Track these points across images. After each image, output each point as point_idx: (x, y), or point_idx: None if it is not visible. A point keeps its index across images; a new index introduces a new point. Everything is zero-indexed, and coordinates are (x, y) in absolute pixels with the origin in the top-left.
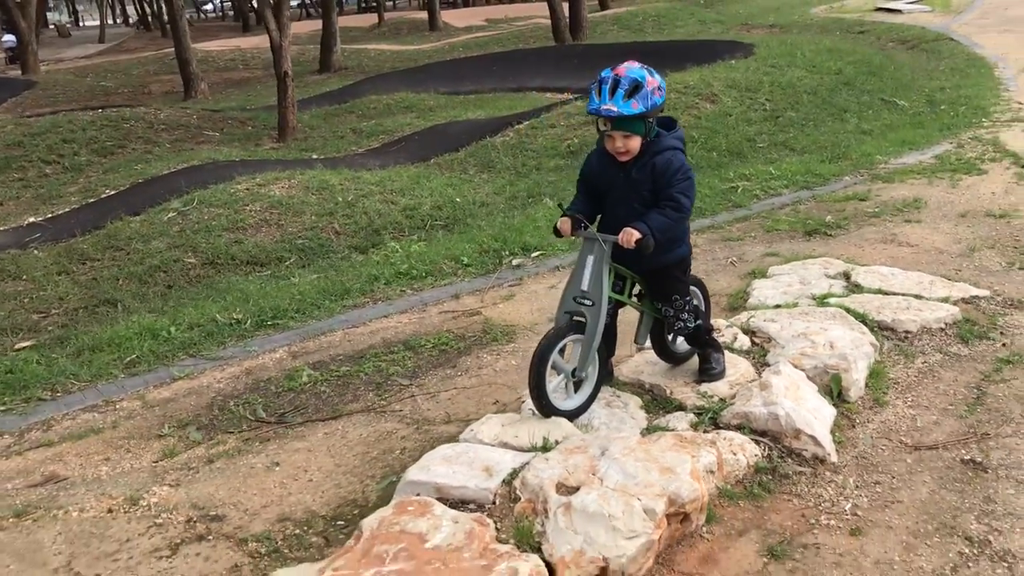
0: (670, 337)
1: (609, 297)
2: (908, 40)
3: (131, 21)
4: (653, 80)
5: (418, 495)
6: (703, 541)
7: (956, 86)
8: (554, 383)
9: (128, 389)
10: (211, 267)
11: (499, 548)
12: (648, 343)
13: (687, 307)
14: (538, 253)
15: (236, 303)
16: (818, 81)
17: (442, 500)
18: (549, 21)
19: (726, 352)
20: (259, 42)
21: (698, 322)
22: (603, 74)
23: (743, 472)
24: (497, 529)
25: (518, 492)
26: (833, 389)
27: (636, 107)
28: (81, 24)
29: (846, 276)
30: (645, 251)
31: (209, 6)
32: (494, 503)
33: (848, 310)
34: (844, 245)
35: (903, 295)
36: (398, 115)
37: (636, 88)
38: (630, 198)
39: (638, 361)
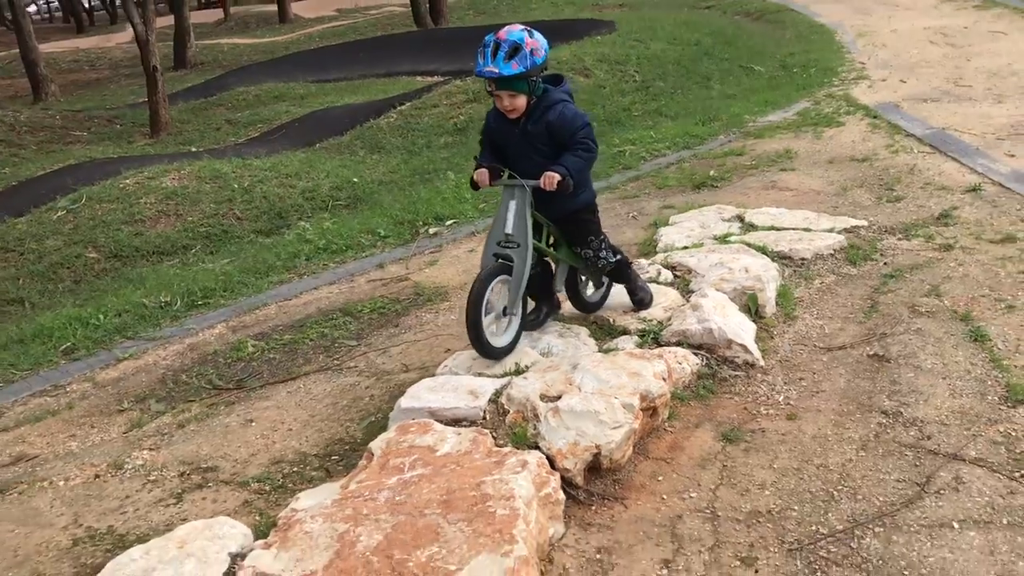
0: (583, 285)
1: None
2: (752, 12)
3: None
4: (532, 41)
5: (413, 420)
6: (668, 434)
7: (804, 51)
8: (487, 322)
9: (73, 373)
10: (116, 260)
11: (502, 450)
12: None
13: (604, 245)
14: (452, 222)
15: (158, 288)
16: (680, 52)
17: (437, 421)
18: (403, 8)
19: (653, 285)
20: (97, 42)
21: (618, 256)
22: (487, 38)
23: (688, 379)
24: (494, 437)
25: (505, 406)
26: (751, 307)
27: (516, 67)
28: None
29: (740, 219)
30: (566, 191)
31: (32, 7)
32: (484, 418)
33: (749, 244)
34: (731, 194)
35: (793, 229)
36: (270, 105)
37: (516, 50)
38: (528, 152)
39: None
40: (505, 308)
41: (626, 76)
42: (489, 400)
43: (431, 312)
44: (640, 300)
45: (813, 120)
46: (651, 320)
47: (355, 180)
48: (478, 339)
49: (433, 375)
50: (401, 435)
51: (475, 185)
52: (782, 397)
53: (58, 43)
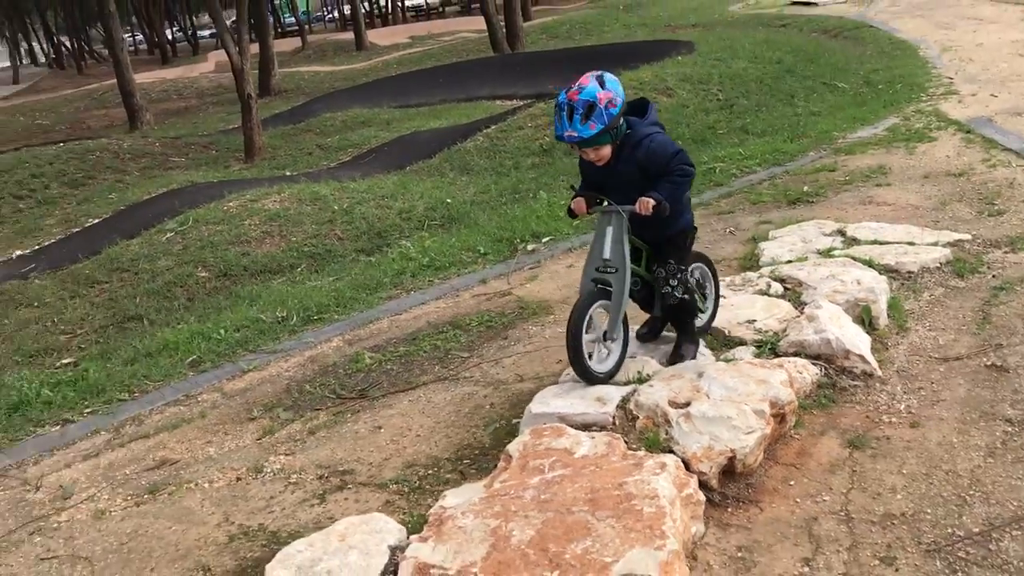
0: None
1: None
2: (830, 30)
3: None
4: (605, 92)
5: (544, 424)
6: (795, 440)
7: (888, 67)
8: (589, 347)
9: (202, 384)
10: (225, 278)
11: (637, 453)
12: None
13: (679, 275)
14: (548, 239)
15: (273, 304)
16: (762, 70)
17: (568, 426)
18: (476, 35)
19: (763, 298)
20: (182, 73)
21: (684, 296)
22: (560, 99)
23: (809, 388)
24: (626, 442)
25: (634, 412)
26: (865, 319)
27: (593, 128)
28: None
29: (841, 233)
30: (663, 215)
31: None
32: (614, 424)
33: (855, 258)
34: (827, 209)
35: (897, 243)
36: (357, 130)
37: (591, 109)
38: (625, 189)
39: None
40: (605, 333)
41: (709, 95)
42: (617, 406)
43: (537, 325)
44: (680, 356)
45: (904, 136)
46: (766, 331)
47: (448, 201)
48: (579, 364)
49: (551, 384)
50: (536, 438)
51: (572, 213)
52: (903, 406)
53: (146, 74)
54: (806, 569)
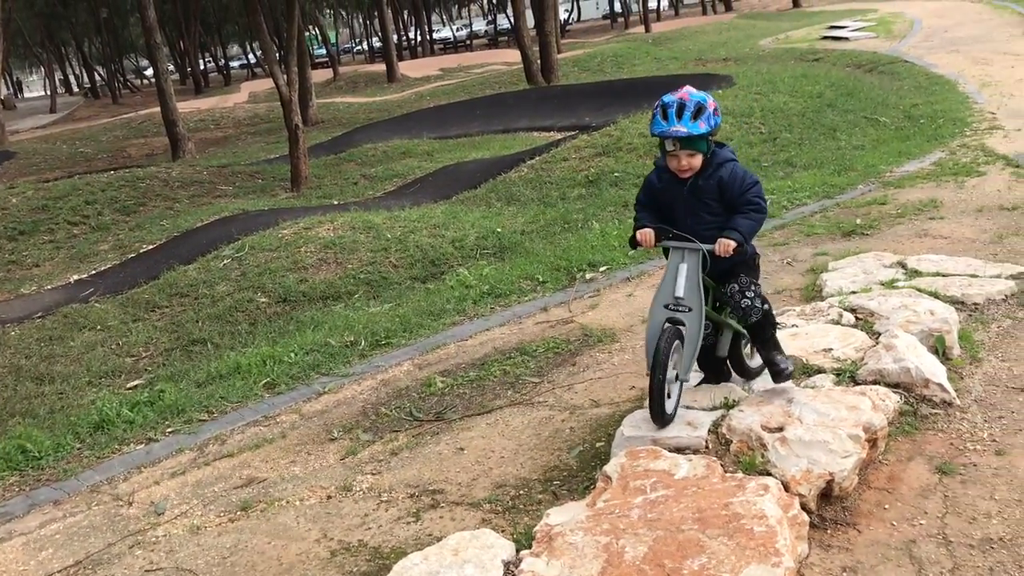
0: (746, 352)
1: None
2: (863, 64)
3: (75, 90)
4: (713, 102)
5: (638, 447)
6: (884, 466)
7: (928, 102)
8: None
9: (279, 405)
10: (284, 304)
11: (736, 475)
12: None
13: (752, 287)
14: (605, 268)
15: (340, 329)
16: (803, 104)
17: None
18: (506, 67)
19: (836, 327)
20: (216, 103)
21: (766, 306)
22: (666, 99)
23: (891, 415)
24: (722, 465)
25: (727, 436)
26: (939, 349)
27: (703, 127)
28: (20, 96)
29: (902, 265)
30: (743, 257)
31: (150, 71)
32: (707, 447)
33: (920, 290)
34: (883, 241)
35: (960, 275)
36: (399, 160)
37: (700, 110)
38: (697, 209)
39: None
40: (677, 375)
41: (752, 128)
42: (708, 431)
43: (604, 352)
44: (779, 372)
45: (952, 170)
46: (845, 360)
47: (498, 230)
48: (658, 405)
49: (628, 409)
50: (633, 460)
51: (635, 244)
52: (986, 434)
53: (181, 104)
54: None
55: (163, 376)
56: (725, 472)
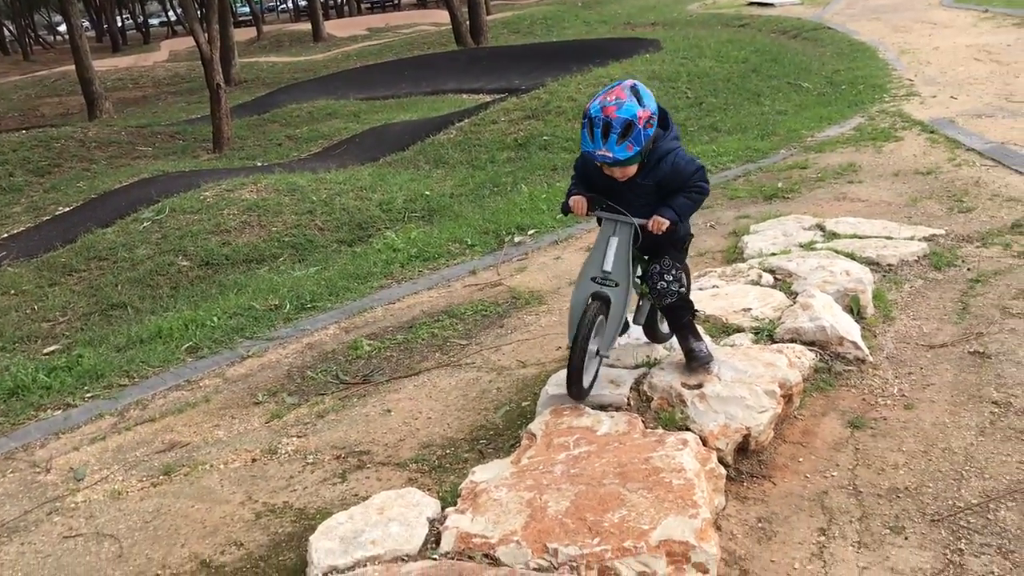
0: (661, 324)
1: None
2: (788, 30)
3: None
4: (644, 111)
5: (562, 405)
6: (799, 421)
7: (849, 68)
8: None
9: (202, 369)
10: (207, 267)
11: (657, 431)
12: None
13: (674, 269)
14: (533, 231)
15: (264, 292)
16: (729, 69)
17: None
18: (435, 28)
19: (756, 288)
20: (135, 61)
21: (683, 290)
22: (593, 112)
23: (807, 372)
24: (643, 421)
25: (649, 393)
26: (853, 308)
27: (631, 150)
28: None
29: (820, 228)
30: (675, 236)
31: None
32: (629, 404)
33: (837, 251)
34: (804, 204)
35: (876, 237)
36: (325, 121)
37: (628, 129)
38: (636, 200)
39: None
40: (598, 350)
41: (678, 93)
42: (631, 388)
43: (532, 314)
44: (695, 357)
45: (871, 135)
46: (763, 319)
47: (427, 193)
48: (577, 381)
49: (554, 369)
50: (557, 418)
51: (567, 211)
52: (896, 389)
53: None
54: (822, 538)
55: (82, 341)
56: (646, 428)
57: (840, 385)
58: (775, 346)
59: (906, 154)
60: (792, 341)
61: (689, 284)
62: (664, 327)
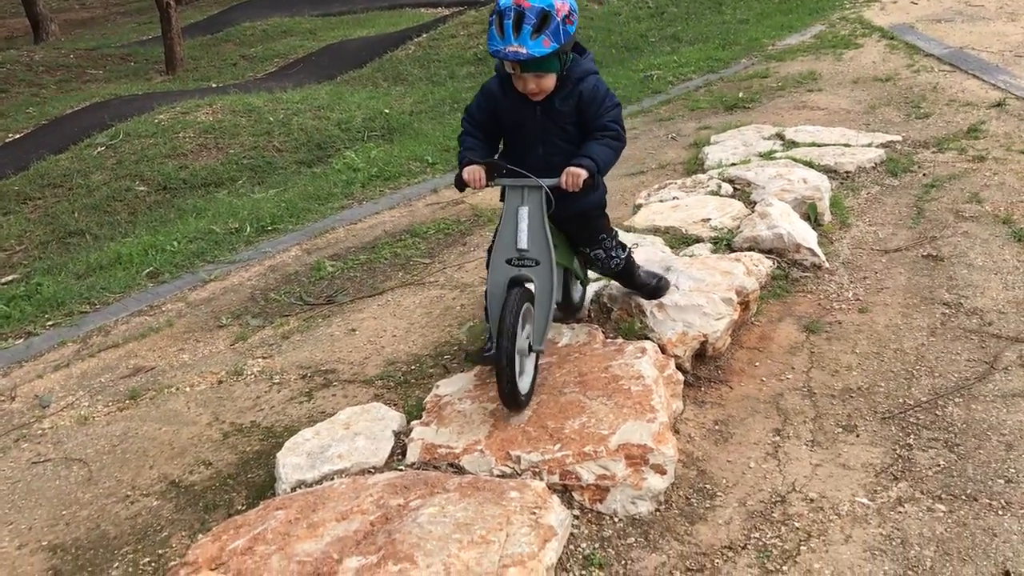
0: (575, 283)
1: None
2: None
3: None
4: (563, 5)
5: None
6: (755, 327)
7: None
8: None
9: (164, 294)
10: (165, 192)
11: (616, 341)
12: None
13: (614, 243)
14: None
15: (224, 216)
16: None
17: None
18: None
19: (715, 198)
20: None
21: (626, 253)
22: (502, 3)
23: (764, 279)
24: (603, 333)
25: (608, 305)
26: (811, 215)
27: (548, 45)
28: None
29: (780, 137)
30: (593, 191)
31: None
32: (589, 316)
33: (795, 160)
34: (764, 114)
35: (834, 145)
36: (280, 39)
37: (545, 20)
38: (550, 135)
39: (650, 210)
40: (530, 345)
41: (640, 3)
42: (591, 300)
43: (491, 231)
44: (655, 288)
45: (831, 43)
46: (722, 229)
47: (386, 111)
48: (509, 381)
49: None
50: None
51: (463, 186)
52: (851, 294)
53: None
54: (777, 438)
55: (40, 269)
56: (606, 339)
57: (797, 291)
58: (733, 255)
59: (866, 61)
60: (750, 249)
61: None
62: (576, 293)
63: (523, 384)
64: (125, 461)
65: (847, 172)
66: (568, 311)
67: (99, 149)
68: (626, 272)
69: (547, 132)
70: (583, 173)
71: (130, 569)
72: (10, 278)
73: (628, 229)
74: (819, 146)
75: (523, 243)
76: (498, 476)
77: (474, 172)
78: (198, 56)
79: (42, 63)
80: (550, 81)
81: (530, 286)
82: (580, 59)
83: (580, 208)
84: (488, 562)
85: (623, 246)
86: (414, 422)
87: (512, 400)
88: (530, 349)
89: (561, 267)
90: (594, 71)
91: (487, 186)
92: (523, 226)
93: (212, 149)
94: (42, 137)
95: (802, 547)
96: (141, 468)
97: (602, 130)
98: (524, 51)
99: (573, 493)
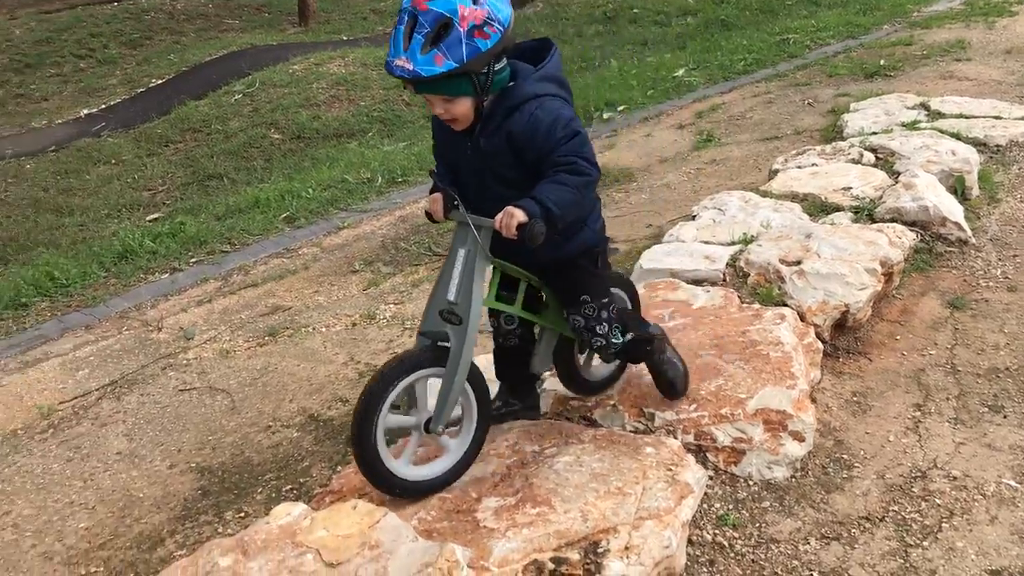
0: (582, 357)
1: (494, 309)
2: None
3: None
4: (475, 12)
5: (656, 280)
6: (897, 300)
7: None
8: (397, 437)
9: (300, 239)
10: (299, 141)
11: (754, 306)
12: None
13: (604, 313)
14: (623, 107)
15: (356, 166)
16: None
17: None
18: None
19: (856, 167)
20: None
21: (627, 337)
22: (404, 2)
23: (907, 252)
24: (739, 297)
25: (745, 269)
26: (958, 189)
27: (440, 62)
28: None
29: (924, 107)
30: (531, 242)
31: None
32: (724, 280)
33: (941, 131)
34: (906, 83)
35: (984, 117)
36: None
37: (442, 30)
38: (483, 176)
39: (787, 176)
40: (428, 422)
41: None
42: (726, 264)
43: (621, 192)
44: (671, 383)
45: (982, 10)
46: (863, 198)
47: None
48: (366, 457)
49: (645, 246)
50: (651, 291)
51: (431, 217)
52: (999, 271)
53: None
54: (918, 413)
55: (182, 209)
56: (742, 303)
57: (941, 266)
58: (875, 225)
59: (1020, 30)
60: (892, 221)
61: (637, 304)
62: (595, 371)
63: (424, 470)
64: (266, 394)
65: (997, 146)
66: (583, 388)
67: (236, 97)
68: (631, 353)
69: (480, 174)
70: (519, 215)
71: (273, 495)
72: (155, 215)
73: (765, 194)
74: (967, 118)
75: (451, 294)
76: (631, 431)
77: (436, 202)
78: (329, 9)
79: (183, 12)
80: (461, 107)
81: (441, 348)
82: (526, 76)
83: (559, 256)
84: (625, 513)
85: (623, 326)
86: (546, 373)
87: (378, 480)
88: (427, 429)
89: (553, 334)
90: (538, 93)
91: (446, 219)
92: (455, 272)
93: (344, 100)
94: (182, 83)
95: (944, 524)
96: (281, 401)
97: (555, 165)
98: (409, 67)
99: (707, 454)
